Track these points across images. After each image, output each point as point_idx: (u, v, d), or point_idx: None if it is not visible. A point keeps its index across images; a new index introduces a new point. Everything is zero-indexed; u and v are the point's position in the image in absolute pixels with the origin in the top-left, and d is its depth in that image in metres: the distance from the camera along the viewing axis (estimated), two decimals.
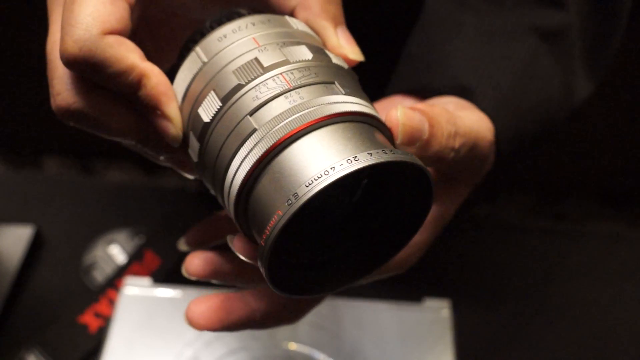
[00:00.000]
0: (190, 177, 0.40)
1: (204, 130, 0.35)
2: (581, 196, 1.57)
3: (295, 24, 0.39)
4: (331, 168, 0.31)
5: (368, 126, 0.34)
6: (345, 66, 0.38)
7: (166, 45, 0.44)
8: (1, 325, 0.69)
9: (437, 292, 0.64)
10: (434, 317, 0.63)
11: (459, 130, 0.40)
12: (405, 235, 0.37)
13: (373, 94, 0.47)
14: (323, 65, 0.36)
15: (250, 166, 0.33)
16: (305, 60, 0.36)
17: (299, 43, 0.37)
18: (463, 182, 0.45)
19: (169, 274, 0.71)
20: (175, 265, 0.72)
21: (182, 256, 0.71)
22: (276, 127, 0.33)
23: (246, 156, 0.33)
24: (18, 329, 0.69)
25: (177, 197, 0.81)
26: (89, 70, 0.35)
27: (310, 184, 0.31)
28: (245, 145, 0.33)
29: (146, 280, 0.67)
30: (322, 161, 0.32)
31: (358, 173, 0.31)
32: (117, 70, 0.35)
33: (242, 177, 0.33)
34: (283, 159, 0.33)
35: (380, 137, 0.34)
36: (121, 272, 0.72)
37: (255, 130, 0.33)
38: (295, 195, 0.31)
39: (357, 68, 0.39)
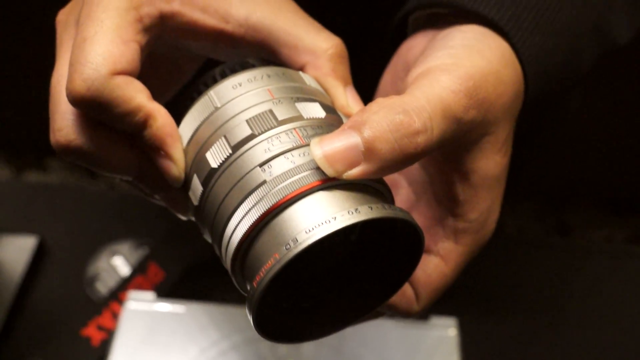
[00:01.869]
0: (183, 218, 0.39)
1: (209, 176, 0.35)
2: (585, 204, 1.56)
3: (308, 80, 0.39)
4: (333, 218, 0.31)
5: (371, 188, 0.34)
6: None
7: (168, 79, 0.44)
8: (4, 337, 0.69)
9: (443, 309, 0.63)
10: (441, 335, 0.62)
11: (411, 107, 0.34)
12: (394, 283, 0.36)
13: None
14: (335, 124, 0.36)
15: (252, 221, 0.33)
16: (318, 118, 0.36)
17: (312, 100, 0.37)
18: (493, 130, 0.39)
19: (173, 287, 0.71)
20: (179, 279, 0.71)
21: (186, 271, 0.72)
22: (284, 183, 0.33)
23: (250, 210, 0.33)
24: (21, 340, 0.69)
25: None
26: (95, 109, 0.35)
27: (310, 231, 0.31)
28: (250, 197, 0.33)
29: (150, 295, 0.66)
30: (324, 211, 0.32)
31: (358, 225, 0.31)
32: (124, 110, 0.35)
33: (243, 232, 0.33)
34: (286, 215, 0.32)
35: (380, 196, 0.35)
36: (124, 285, 0.71)
37: (264, 182, 0.33)
38: (295, 240, 0.31)
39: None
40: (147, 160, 0.37)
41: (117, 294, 0.71)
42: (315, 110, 0.36)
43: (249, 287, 0.34)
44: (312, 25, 0.40)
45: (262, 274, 0.31)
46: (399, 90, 0.44)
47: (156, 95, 0.44)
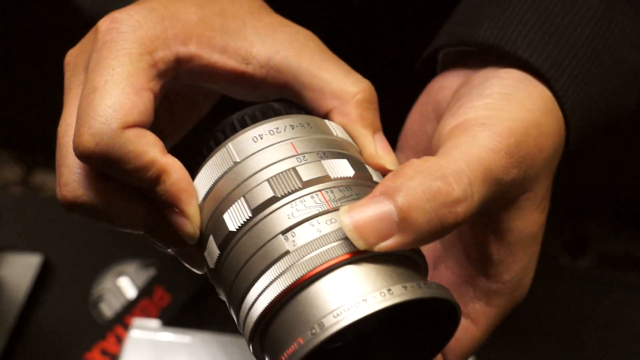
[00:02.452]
0: (199, 272, 0.37)
1: (227, 239, 0.32)
2: (603, 216, 1.53)
3: (335, 129, 0.36)
4: (363, 300, 0.28)
5: (404, 258, 0.32)
6: None
7: (183, 115, 0.42)
8: (7, 359, 0.67)
9: None
10: None
11: (450, 172, 0.32)
12: (424, 358, 0.34)
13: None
14: (364, 184, 0.33)
15: (275, 295, 0.30)
16: (347, 178, 0.33)
17: (340, 155, 0.34)
18: (532, 186, 0.37)
19: (178, 313, 0.69)
20: (185, 304, 0.70)
21: (193, 296, 0.70)
22: (310, 255, 0.30)
23: (272, 282, 0.30)
24: None
25: None
26: (105, 165, 0.33)
27: (338, 315, 0.28)
28: (272, 268, 0.31)
29: (154, 323, 0.64)
30: (354, 291, 0.29)
31: (391, 307, 0.28)
32: (136, 166, 0.33)
33: (265, 306, 0.30)
34: (312, 290, 0.30)
35: (414, 269, 0.32)
36: (130, 308, 0.70)
37: (287, 252, 0.30)
38: (321, 324, 0.28)
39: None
40: (159, 215, 0.35)
41: (122, 318, 0.69)
42: (343, 169, 0.33)
43: None
44: (339, 66, 0.37)
45: (283, 359, 0.29)
46: (427, 133, 0.42)
47: (170, 132, 0.42)
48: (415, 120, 0.43)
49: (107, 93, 0.33)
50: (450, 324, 0.32)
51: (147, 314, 0.69)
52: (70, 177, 0.34)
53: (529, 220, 0.37)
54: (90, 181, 0.34)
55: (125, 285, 0.72)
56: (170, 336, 0.63)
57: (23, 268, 0.73)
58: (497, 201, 0.35)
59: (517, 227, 0.37)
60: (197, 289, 0.70)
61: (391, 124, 0.42)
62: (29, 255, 0.73)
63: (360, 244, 0.30)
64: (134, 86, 0.33)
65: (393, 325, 0.34)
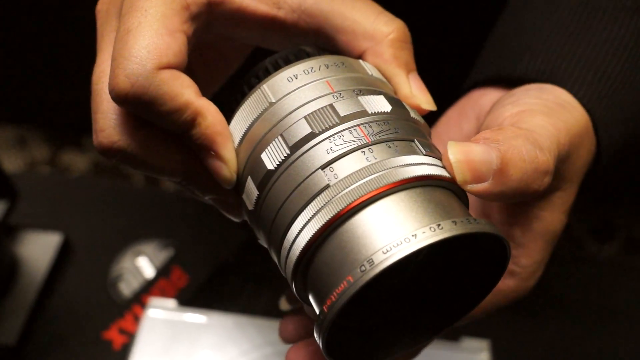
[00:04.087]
0: (237, 220, 0.37)
1: (265, 178, 0.32)
2: (631, 200, 1.51)
3: (369, 69, 0.35)
4: (413, 235, 0.28)
5: (447, 191, 0.31)
6: (422, 121, 0.35)
7: (215, 69, 0.42)
8: (26, 337, 0.68)
9: (475, 331, 0.60)
10: (472, 359, 0.59)
11: (544, 145, 0.34)
12: (471, 300, 0.33)
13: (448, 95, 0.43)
14: (402, 119, 0.33)
15: (317, 229, 0.30)
16: (384, 113, 0.32)
17: (376, 92, 0.34)
18: (563, 188, 0.39)
19: (196, 293, 0.69)
20: (203, 285, 0.70)
21: (210, 276, 0.70)
22: (350, 187, 0.30)
23: (313, 216, 0.30)
24: (42, 341, 0.68)
25: (210, 210, 0.79)
26: (140, 107, 0.32)
27: (388, 251, 0.28)
28: (313, 203, 0.30)
29: (171, 302, 0.64)
30: (403, 226, 0.29)
31: (442, 243, 0.28)
32: (171, 108, 0.32)
33: (307, 240, 0.30)
34: (355, 223, 0.29)
35: (458, 203, 0.31)
36: (148, 287, 0.70)
37: (327, 186, 0.30)
38: (370, 261, 0.28)
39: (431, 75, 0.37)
40: (196, 161, 0.35)
41: (140, 297, 0.69)
42: (380, 104, 0.33)
43: (314, 305, 0.31)
44: (371, 7, 0.37)
45: (333, 298, 0.28)
46: (463, 129, 0.43)
47: (202, 88, 0.42)
48: (452, 117, 0.44)
49: (141, 34, 0.32)
50: (499, 263, 0.32)
51: (164, 293, 0.70)
52: (106, 122, 0.33)
53: (556, 216, 0.38)
54: (127, 126, 0.33)
55: (144, 265, 0.72)
56: (186, 316, 0.63)
57: (43, 247, 0.73)
58: None
59: (545, 218, 0.38)
60: (215, 269, 0.70)
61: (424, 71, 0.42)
62: (49, 234, 0.74)
63: (459, 177, 0.31)
64: (167, 27, 0.33)
65: (439, 268, 0.33)
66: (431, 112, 0.44)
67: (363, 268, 0.28)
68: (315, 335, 0.30)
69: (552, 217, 0.38)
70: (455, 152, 0.32)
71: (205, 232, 0.73)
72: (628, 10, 0.43)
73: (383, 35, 0.36)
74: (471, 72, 0.47)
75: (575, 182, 0.39)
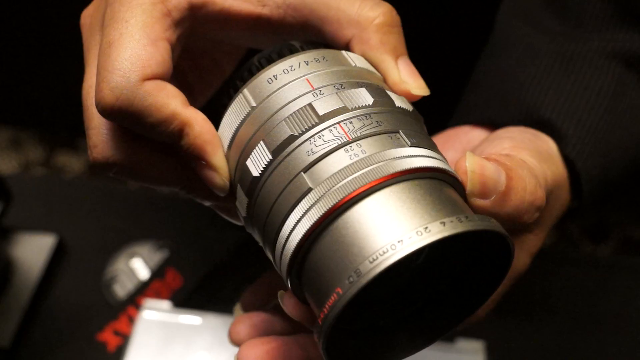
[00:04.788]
0: (240, 224, 0.37)
1: (252, 185, 0.32)
2: (626, 200, 1.51)
3: (353, 59, 0.35)
4: (399, 241, 0.28)
5: (438, 182, 0.31)
6: (410, 108, 0.34)
7: (209, 74, 0.41)
8: (20, 339, 0.68)
9: (470, 332, 0.60)
10: None
11: (542, 183, 0.35)
12: (474, 302, 0.33)
13: (437, 123, 0.43)
14: (386, 110, 0.32)
15: (305, 231, 0.30)
16: (366, 107, 0.32)
17: (358, 84, 0.33)
18: (535, 232, 0.40)
19: (190, 294, 0.69)
20: (197, 286, 0.69)
21: (205, 278, 0.70)
22: (334, 187, 0.29)
23: (301, 218, 0.30)
24: (36, 343, 0.68)
25: (206, 211, 0.79)
26: (127, 120, 0.32)
27: (374, 260, 0.28)
28: (299, 206, 0.30)
29: (166, 304, 0.64)
30: (389, 232, 0.28)
31: (429, 247, 0.27)
32: (158, 119, 0.32)
33: (296, 243, 0.30)
34: (342, 224, 0.29)
35: (452, 194, 0.31)
36: (142, 289, 0.70)
37: (310, 190, 0.30)
38: (358, 272, 0.28)
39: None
40: (192, 170, 0.34)
41: (135, 299, 0.69)
42: (361, 98, 0.32)
43: (311, 303, 0.32)
44: None
45: (325, 311, 0.28)
46: (447, 157, 0.44)
47: (196, 95, 0.41)
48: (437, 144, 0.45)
49: (123, 46, 0.32)
50: (502, 260, 0.31)
51: (159, 295, 0.69)
52: (98, 138, 0.33)
53: (522, 258, 0.40)
54: (119, 140, 0.33)
55: (138, 266, 0.72)
56: (181, 317, 0.63)
57: (37, 248, 0.73)
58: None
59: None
60: (209, 271, 0.70)
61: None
62: (43, 235, 0.73)
63: (470, 187, 0.32)
64: (149, 37, 0.33)
65: (440, 262, 0.33)
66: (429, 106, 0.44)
67: (351, 279, 0.28)
68: (315, 338, 0.30)
69: (518, 256, 0.39)
70: (472, 163, 0.32)
71: (199, 233, 0.73)
72: (607, 56, 0.44)
73: (368, 21, 0.35)
74: (457, 110, 0.48)
75: (546, 230, 0.40)
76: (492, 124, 0.44)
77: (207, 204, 0.37)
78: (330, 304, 0.28)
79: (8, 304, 0.68)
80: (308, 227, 0.30)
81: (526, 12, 0.48)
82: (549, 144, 0.42)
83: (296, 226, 0.30)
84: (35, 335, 0.68)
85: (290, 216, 0.30)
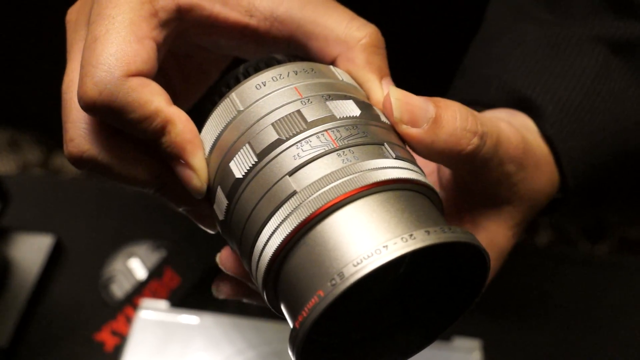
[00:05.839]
0: (211, 231, 0.37)
1: (234, 187, 0.32)
2: (626, 200, 1.51)
3: (340, 74, 0.35)
4: (384, 246, 0.27)
5: (420, 196, 0.31)
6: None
7: (194, 79, 0.41)
8: (18, 339, 0.68)
9: (467, 330, 0.60)
10: (464, 358, 0.59)
11: (478, 116, 0.36)
12: (452, 314, 0.33)
13: None
14: (372, 124, 0.32)
15: (285, 235, 0.29)
16: (353, 117, 0.32)
17: (345, 97, 0.33)
18: (513, 204, 0.40)
19: (188, 294, 0.69)
20: (195, 286, 0.69)
21: (202, 278, 0.70)
22: (318, 192, 0.29)
23: (282, 222, 0.30)
24: (34, 343, 0.68)
25: None
26: (109, 115, 0.32)
27: (358, 264, 0.27)
28: (281, 209, 0.30)
29: (163, 304, 0.64)
30: (373, 237, 0.28)
31: (415, 254, 0.27)
32: (140, 115, 0.32)
33: (276, 247, 0.30)
34: (324, 229, 0.29)
35: (433, 208, 0.31)
36: (140, 289, 0.70)
37: (294, 192, 0.30)
38: (341, 275, 0.27)
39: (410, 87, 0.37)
40: (169, 171, 0.34)
41: (132, 299, 0.69)
42: (349, 108, 0.32)
43: (288, 318, 0.31)
44: (343, 13, 0.37)
45: (305, 314, 0.28)
46: None
47: (181, 100, 0.41)
48: None
49: (109, 42, 0.32)
50: (478, 274, 0.31)
51: (156, 295, 0.69)
52: (76, 132, 0.33)
53: (502, 230, 0.39)
54: (96, 135, 0.33)
55: (136, 266, 0.72)
56: (178, 317, 0.63)
57: (35, 249, 0.73)
58: (490, 185, 0.37)
59: (490, 228, 0.39)
60: (207, 271, 0.70)
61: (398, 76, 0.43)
62: (41, 236, 0.74)
63: (396, 114, 0.33)
64: (135, 34, 0.33)
65: (417, 280, 0.33)
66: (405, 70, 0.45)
67: (334, 282, 0.27)
68: (289, 352, 0.29)
69: (497, 229, 0.39)
70: (395, 92, 0.33)
71: (197, 233, 0.72)
72: (593, 40, 0.44)
73: (355, 41, 0.36)
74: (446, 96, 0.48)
75: (526, 203, 0.40)
76: (476, 104, 0.44)
77: (179, 208, 0.36)
78: (310, 306, 0.28)
79: (6, 304, 0.68)
80: (289, 232, 0.29)
81: (516, 5, 0.49)
82: (528, 124, 0.42)
83: (276, 230, 0.30)
84: (33, 335, 0.68)
85: (271, 220, 0.30)
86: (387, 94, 0.34)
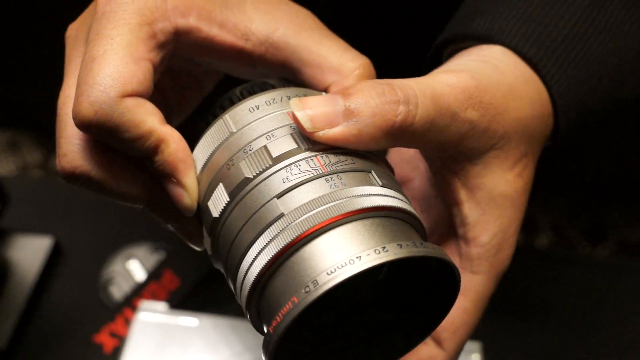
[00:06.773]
0: (198, 248, 0.37)
1: (224, 207, 0.33)
2: (624, 202, 1.51)
3: None
4: (357, 257, 0.28)
5: (403, 222, 0.31)
6: (382, 156, 0.35)
7: (189, 91, 0.42)
8: (16, 341, 0.68)
9: None
10: None
11: (395, 82, 0.34)
12: (426, 327, 0.33)
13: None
14: (360, 152, 0.33)
15: (270, 256, 0.30)
16: None
17: None
18: (498, 145, 0.38)
19: (187, 296, 0.69)
20: (194, 288, 0.69)
21: (201, 280, 0.70)
22: (303, 217, 0.30)
23: (267, 245, 0.30)
24: (33, 345, 0.68)
25: None
26: (103, 134, 0.33)
27: (332, 272, 0.28)
28: (267, 231, 0.31)
29: (162, 305, 0.64)
30: (348, 249, 0.29)
31: (386, 265, 0.28)
32: (134, 135, 0.33)
33: (260, 269, 0.30)
34: (307, 252, 0.30)
35: (412, 232, 0.32)
36: (139, 291, 0.70)
37: (282, 215, 0.30)
38: (315, 282, 0.28)
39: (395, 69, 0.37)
40: (159, 188, 0.35)
41: (131, 301, 0.69)
42: None
43: (265, 330, 0.32)
44: (338, 43, 0.37)
45: (279, 319, 0.28)
46: None
47: (175, 112, 0.42)
48: None
49: (106, 62, 0.32)
50: (450, 289, 0.32)
51: (155, 296, 0.69)
52: (69, 147, 0.34)
53: (499, 178, 0.38)
54: (89, 152, 0.34)
55: (135, 268, 0.72)
56: (177, 319, 0.63)
57: (33, 250, 0.73)
58: (460, 144, 0.36)
59: (485, 184, 0.38)
60: (206, 272, 0.70)
61: None
62: (40, 237, 0.74)
63: (306, 127, 0.32)
64: (133, 56, 0.33)
65: (390, 295, 0.34)
66: None
67: (307, 289, 0.28)
68: (262, 358, 0.30)
69: (492, 180, 0.38)
70: (295, 105, 0.32)
71: None
72: None
73: (349, 71, 0.36)
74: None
75: (518, 137, 0.38)
76: (459, 39, 0.42)
77: (168, 225, 0.37)
78: (284, 312, 0.28)
79: (5, 305, 0.68)
80: (273, 255, 0.30)
81: None
82: (499, 54, 0.40)
83: (262, 251, 0.31)
84: (31, 336, 0.68)
85: (257, 241, 0.31)
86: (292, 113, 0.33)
